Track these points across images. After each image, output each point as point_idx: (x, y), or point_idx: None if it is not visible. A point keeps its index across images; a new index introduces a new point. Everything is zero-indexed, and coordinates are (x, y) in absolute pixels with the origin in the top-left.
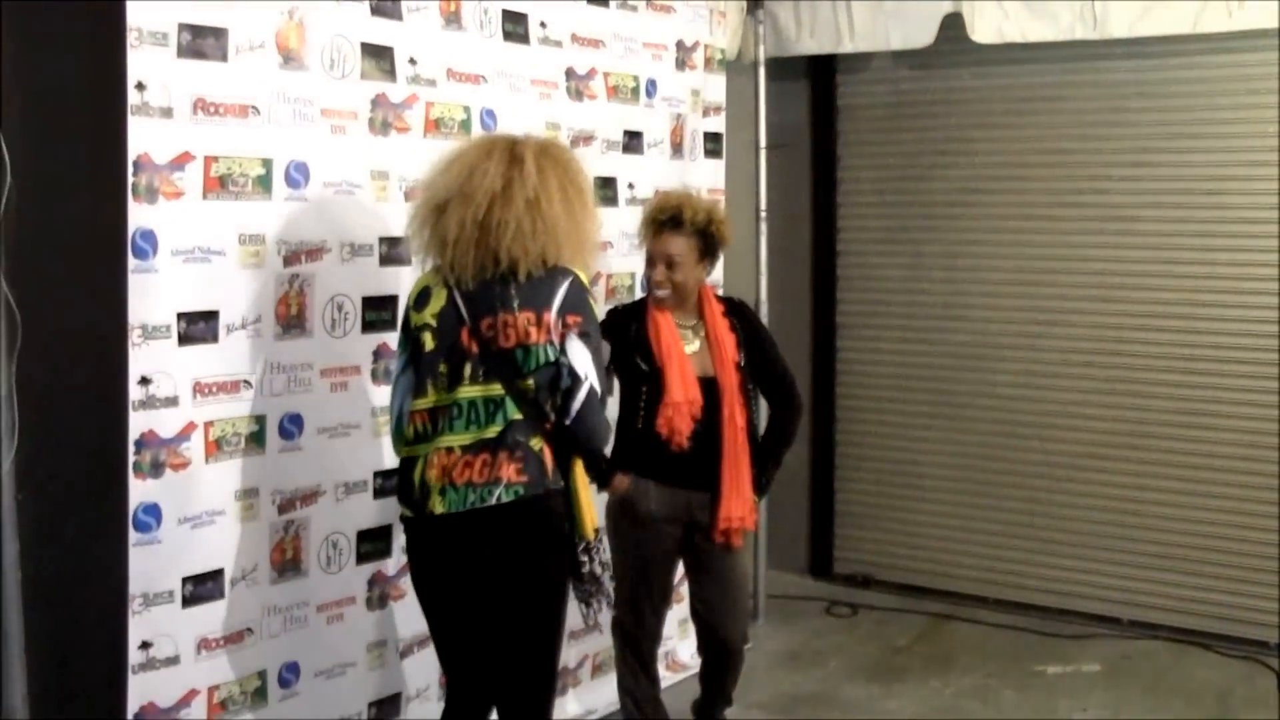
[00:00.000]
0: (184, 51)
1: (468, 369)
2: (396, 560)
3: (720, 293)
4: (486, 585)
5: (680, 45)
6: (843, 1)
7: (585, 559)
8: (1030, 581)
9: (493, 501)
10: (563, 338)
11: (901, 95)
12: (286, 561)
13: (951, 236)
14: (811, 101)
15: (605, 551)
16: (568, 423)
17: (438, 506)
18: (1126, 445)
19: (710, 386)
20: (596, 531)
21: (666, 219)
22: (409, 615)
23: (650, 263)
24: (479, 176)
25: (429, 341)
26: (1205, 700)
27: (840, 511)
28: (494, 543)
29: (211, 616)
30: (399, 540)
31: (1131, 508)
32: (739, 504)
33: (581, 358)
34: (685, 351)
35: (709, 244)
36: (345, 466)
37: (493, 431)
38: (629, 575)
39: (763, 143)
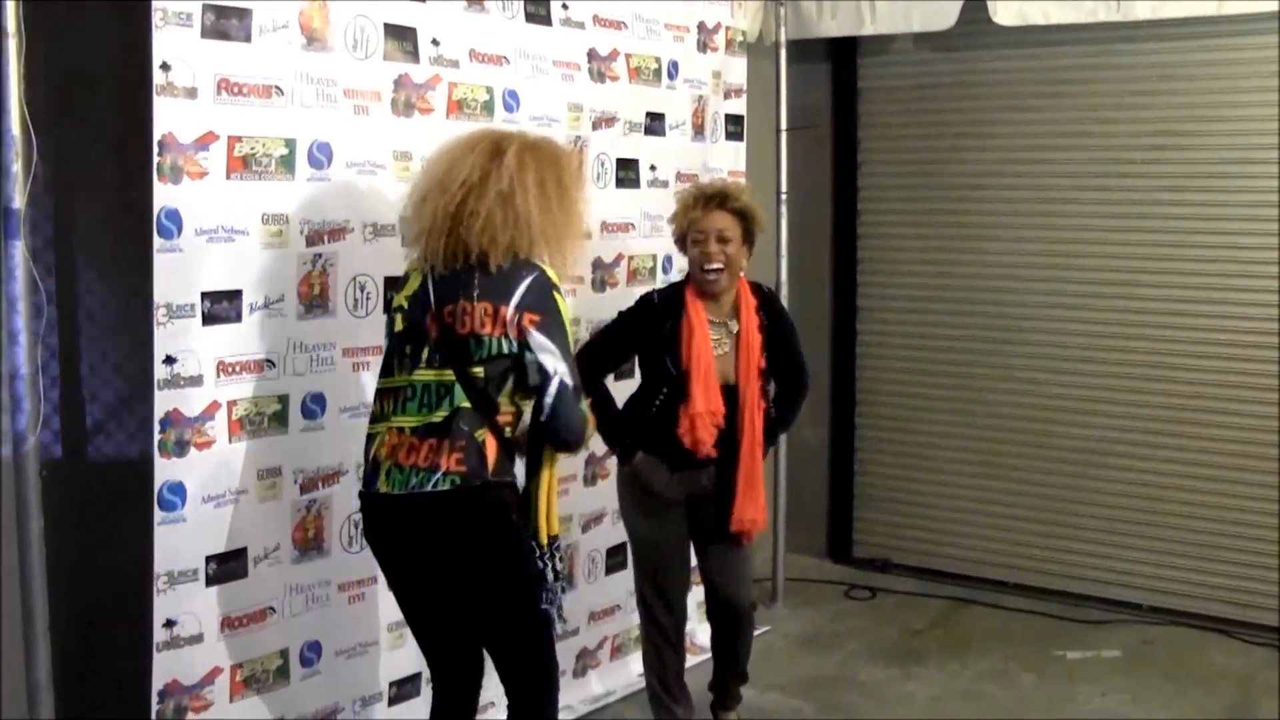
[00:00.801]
0: (208, 32)
1: (425, 352)
2: None
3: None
4: (435, 570)
5: (702, 27)
6: None
7: (541, 560)
8: (1050, 566)
9: (429, 488)
10: (522, 335)
11: (923, 78)
12: (309, 540)
13: (973, 220)
14: (833, 84)
15: (558, 561)
16: (543, 419)
17: (383, 486)
18: (1149, 430)
19: (731, 394)
20: (553, 539)
21: (715, 194)
22: None
23: (699, 240)
24: (457, 169)
25: (399, 323)
26: (1225, 687)
27: (859, 495)
28: (432, 530)
29: (234, 595)
30: None
31: (1153, 493)
32: (752, 508)
33: (546, 352)
34: (714, 356)
35: (748, 229)
36: None
37: (439, 416)
38: (649, 556)
39: (784, 125)
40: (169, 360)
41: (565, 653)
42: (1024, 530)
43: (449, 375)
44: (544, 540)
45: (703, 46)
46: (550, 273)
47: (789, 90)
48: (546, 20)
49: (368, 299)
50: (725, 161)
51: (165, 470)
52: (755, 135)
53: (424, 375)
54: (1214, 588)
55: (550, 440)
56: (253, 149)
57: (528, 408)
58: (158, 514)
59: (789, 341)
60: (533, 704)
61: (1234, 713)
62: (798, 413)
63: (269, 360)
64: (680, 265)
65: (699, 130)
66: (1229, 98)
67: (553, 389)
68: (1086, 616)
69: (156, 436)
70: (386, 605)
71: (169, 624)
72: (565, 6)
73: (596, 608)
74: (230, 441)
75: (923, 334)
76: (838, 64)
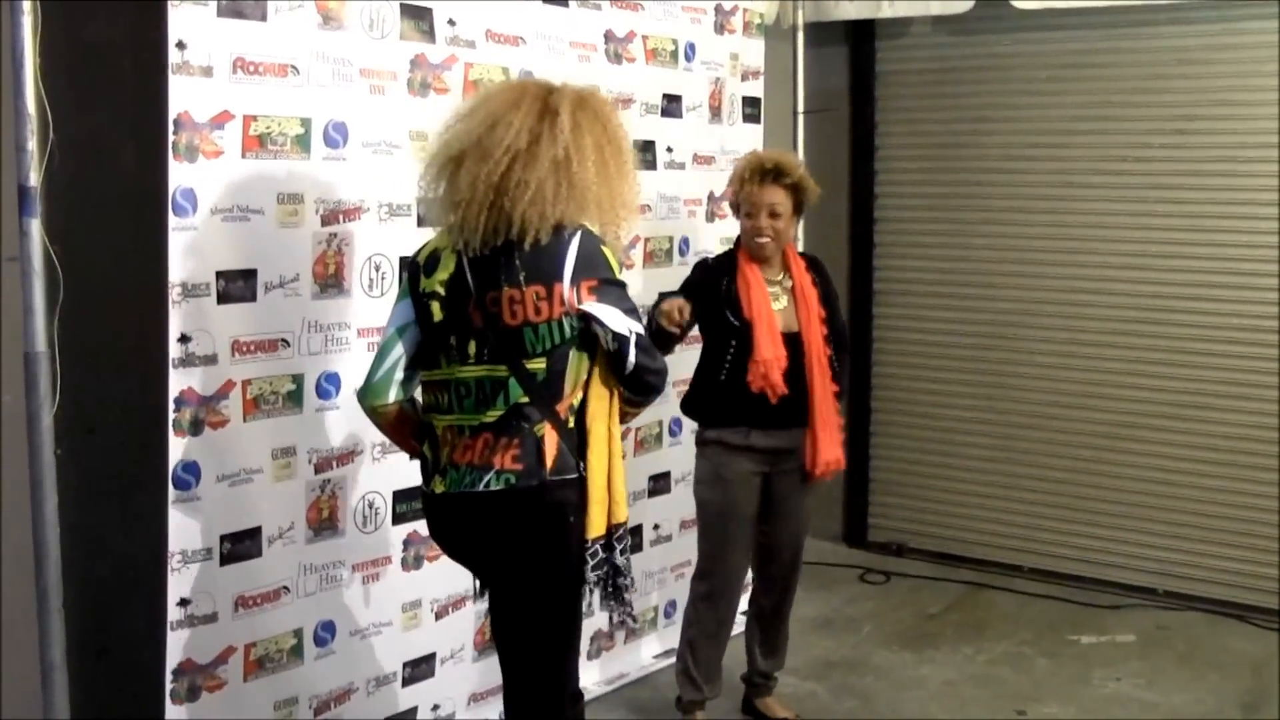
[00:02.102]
0: (224, 11)
1: (472, 346)
2: None
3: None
4: (489, 568)
5: (719, 9)
6: None
7: (590, 560)
8: (1065, 551)
9: (481, 488)
10: (584, 306)
11: (941, 61)
12: (323, 521)
13: (991, 204)
14: (851, 67)
15: (617, 555)
16: (628, 375)
17: (438, 486)
18: (1166, 416)
19: (795, 342)
20: (612, 529)
21: (771, 168)
22: (444, 576)
23: (751, 214)
24: (501, 129)
25: (437, 311)
26: (1240, 671)
27: (875, 480)
28: (484, 530)
29: (249, 575)
30: None
31: (1168, 478)
32: (832, 447)
33: (611, 315)
34: (773, 309)
35: (799, 200)
36: None
37: (494, 415)
38: (716, 531)
39: (801, 108)
40: (184, 339)
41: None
42: (1039, 515)
43: (502, 370)
44: (594, 534)
45: (720, 29)
46: (592, 227)
47: (806, 73)
48: (563, 1)
49: (383, 279)
50: (742, 144)
51: (179, 449)
52: (772, 118)
53: (474, 371)
54: (1229, 573)
55: (637, 392)
56: (268, 128)
57: (594, 383)
58: (172, 493)
59: (834, 306)
60: (538, 703)
61: (1249, 697)
62: (848, 376)
63: (284, 340)
64: (697, 248)
65: (716, 112)
66: (1248, 81)
67: (632, 351)
68: (1101, 601)
69: (171, 415)
70: (400, 585)
71: (183, 603)
72: None
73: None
74: (245, 421)
75: (939, 319)
76: (856, 47)
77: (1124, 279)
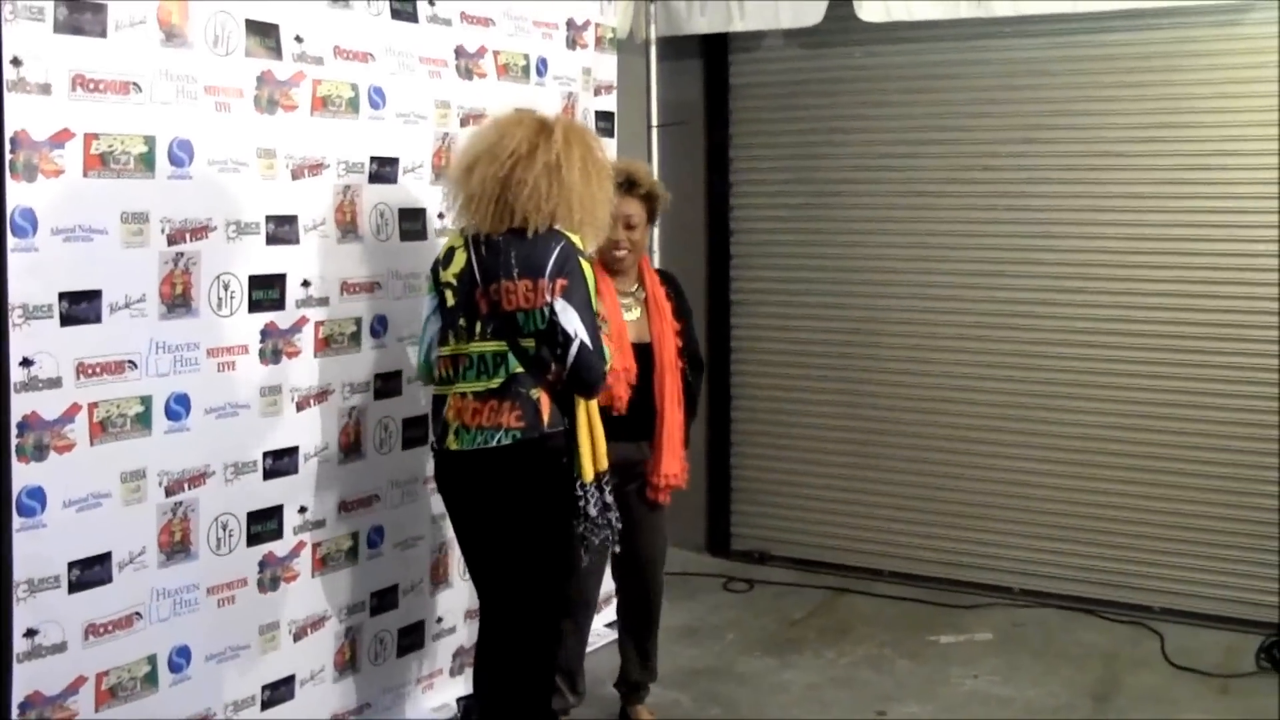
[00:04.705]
0: (61, 27)
1: (479, 326)
2: (287, 541)
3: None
4: (495, 514)
5: (571, 24)
6: None
7: (582, 498)
8: (924, 554)
9: (494, 444)
10: (551, 300)
11: (794, 74)
12: (175, 544)
13: (844, 214)
14: (704, 80)
15: (606, 494)
16: (565, 375)
17: (453, 444)
18: (1016, 418)
19: (646, 352)
20: (599, 475)
21: (623, 181)
22: (301, 597)
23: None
24: (507, 139)
25: (450, 298)
26: (1092, 663)
27: (736, 489)
28: (497, 478)
29: (99, 601)
30: (290, 521)
31: (1021, 479)
32: (674, 462)
33: (568, 316)
34: (625, 320)
35: (652, 209)
36: (234, 447)
37: (496, 382)
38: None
39: (655, 121)
40: (26, 362)
41: (443, 651)
42: (898, 519)
43: (501, 346)
44: (588, 478)
45: (572, 43)
46: (575, 240)
47: (660, 87)
48: (413, 17)
49: (232, 298)
50: None
51: (24, 475)
52: (627, 132)
53: (480, 347)
54: (1081, 569)
55: (573, 389)
56: (110, 146)
57: None
58: (16, 520)
59: (688, 322)
60: (534, 642)
61: (1100, 688)
62: (699, 392)
63: (130, 361)
64: None
65: None
66: (1092, 93)
67: (573, 350)
68: (960, 601)
69: (14, 440)
70: (257, 607)
71: (30, 633)
72: (432, 3)
73: (473, 606)
74: (92, 444)
75: (796, 328)
76: (709, 60)
77: (974, 285)
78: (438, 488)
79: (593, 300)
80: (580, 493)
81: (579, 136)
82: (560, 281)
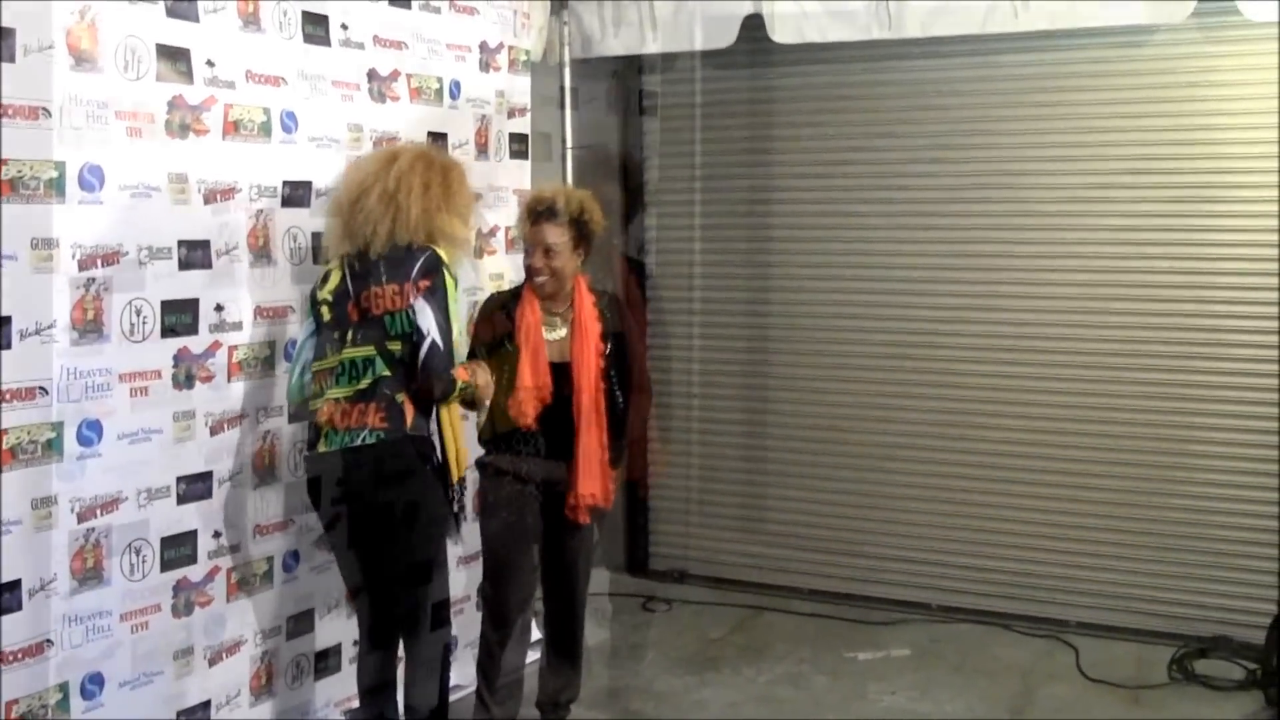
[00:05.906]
0: None
1: (350, 333)
2: (202, 566)
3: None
4: (365, 513)
5: (484, 46)
6: (646, 1)
7: (455, 497)
8: (842, 571)
9: (358, 443)
10: (414, 301)
11: (708, 95)
12: (87, 570)
13: (757, 233)
14: (619, 101)
15: (462, 496)
16: (419, 368)
17: (322, 445)
18: (930, 436)
19: (565, 371)
20: (461, 479)
21: (544, 209)
22: (216, 621)
23: (529, 252)
24: (359, 175)
25: (326, 314)
26: (1009, 677)
27: (655, 508)
28: (361, 476)
29: (9, 629)
30: (204, 546)
31: (936, 495)
32: (591, 482)
33: (425, 315)
34: (545, 338)
35: (583, 233)
36: (147, 473)
37: (365, 384)
38: (489, 553)
39: (570, 143)
40: None
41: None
42: (815, 537)
43: (370, 350)
44: (458, 478)
45: (485, 66)
46: (442, 253)
47: (574, 108)
48: (325, 41)
49: (144, 323)
50: (510, 180)
51: None
52: (541, 153)
53: (350, 353)
54: (997, 584)
55: (418, 388)
56: (19, 171)
57: None
58: None
59: (625, 344)
60: (429, 634)
61: (1016, 700)
62: (643, 421)
63: (41, 387)
64: (465, 284)
65: (483, 149)
66: (1001, 112)
67: (425, 347)
68: (877, 618)
69: None
70: (171, 633)
71: None
72: (345, 27)
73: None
74: (2, 471)
75: (712, 346)
76: (623, 81)
77: (888, 304)
78: (308, 491)
79: (450, 308)
80: (451, 495)
81: (425, 163)
82: (423, 283)
